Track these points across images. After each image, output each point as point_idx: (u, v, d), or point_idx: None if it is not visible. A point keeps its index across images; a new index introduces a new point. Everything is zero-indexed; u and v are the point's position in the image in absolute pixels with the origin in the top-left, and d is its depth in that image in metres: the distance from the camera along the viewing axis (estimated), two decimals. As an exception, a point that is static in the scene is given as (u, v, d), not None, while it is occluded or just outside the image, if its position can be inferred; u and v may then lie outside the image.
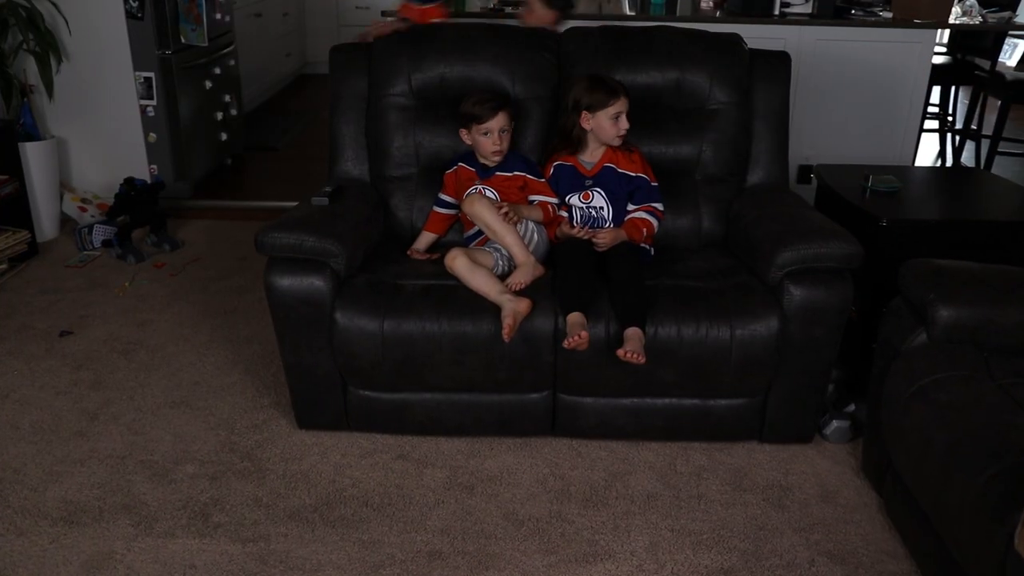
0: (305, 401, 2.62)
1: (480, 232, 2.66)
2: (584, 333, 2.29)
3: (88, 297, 3.56)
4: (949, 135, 5.37)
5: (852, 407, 2.71)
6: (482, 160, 2.76)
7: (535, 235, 2.64)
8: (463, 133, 2.76)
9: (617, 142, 2.73)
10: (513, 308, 2.34)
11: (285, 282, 2.42)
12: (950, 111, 5.36)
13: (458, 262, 2.47)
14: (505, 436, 2.65)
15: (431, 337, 2.40)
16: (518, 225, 2.59)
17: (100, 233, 4.02)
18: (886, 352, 2.32)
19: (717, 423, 2.58)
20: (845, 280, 2.41)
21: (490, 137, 2.69)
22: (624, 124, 2.70)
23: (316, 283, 2.42)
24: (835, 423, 2.66)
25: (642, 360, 2.26)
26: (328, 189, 2.68)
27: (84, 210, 4.23)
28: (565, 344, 2.30)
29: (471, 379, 2.48)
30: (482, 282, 2.43)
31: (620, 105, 2.68)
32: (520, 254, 2.52)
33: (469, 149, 2.79)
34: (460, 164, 2.79)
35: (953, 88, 5.29)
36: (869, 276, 2.50)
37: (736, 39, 2.95)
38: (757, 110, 2.91)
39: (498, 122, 2.69)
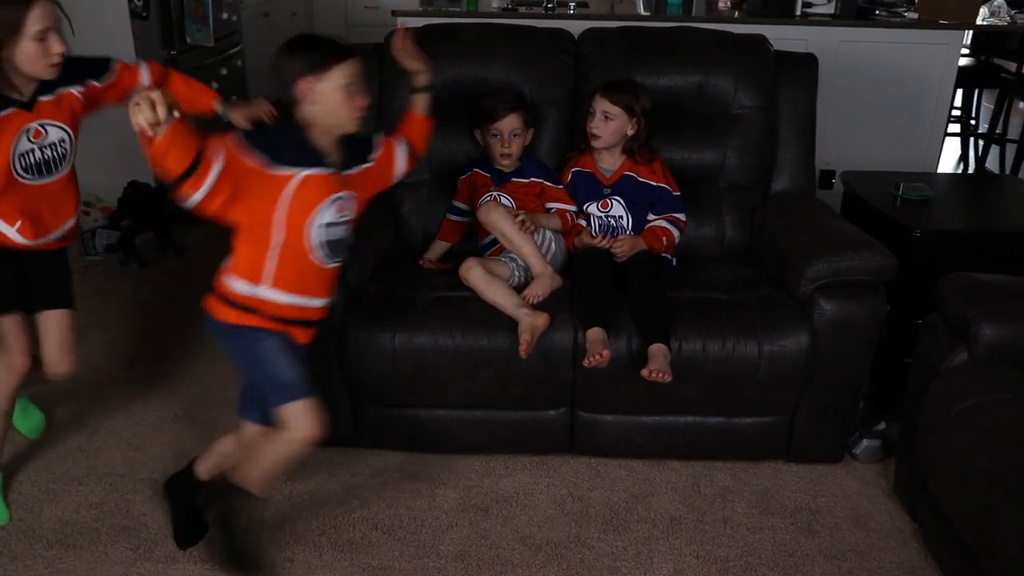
0: (312, 417, 2.51)
1: (495, 241, 2.55)
2: (606, 352, 2.18)
3: (89, 304, 3.46)
4: (972, 139, 5.24)
5: (882, 425, 2.59)
6: (498, 166, 2.65)
7: (552, 245, 2.53)
8: (476, 132, 2.67)
9: (595, 143, 2.62)
10: (531, 323, 2.24)
11: (292, 294, 2.32)
12: (972, 115, 5.23)
13: (473, 273, 2.36)
14: (521, 454, 2.54)
15: (444, 351, 2.29)
16: (535, 234, 2.48)
17: (103, 238, 3.93)
18: (923, 371, 2.20)
19: (742, 442, 2.47)
20: (878, 294, 2.30)
21: (498, 139, 2.59)
22: (596, 124, 2.58)
23: (325, 295, 2.31)
24: (865, 442, 2.54)
25: (669, 379, 2.16)
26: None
27: (87, 214, 4.12)
28: (585, 363, 2.19)
29: (486, 395, 2.37)
30: (498, 294, 2.33)
31: (594, 102, 2.59)
32: (537, 265, 2.41)
33: (483, 154, 2.69)
34: (475, 169, 2.69)
35: (976, 91, 5.16)
36: (900, 288, 2.39)
37: (761, 40, 2.84)
38: (783, 115, 2.81)
39: (508, 124, 2.59)
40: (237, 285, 1.93)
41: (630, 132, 2.61)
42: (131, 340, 3.19)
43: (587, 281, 2.38)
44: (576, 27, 3.01)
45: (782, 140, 2.81)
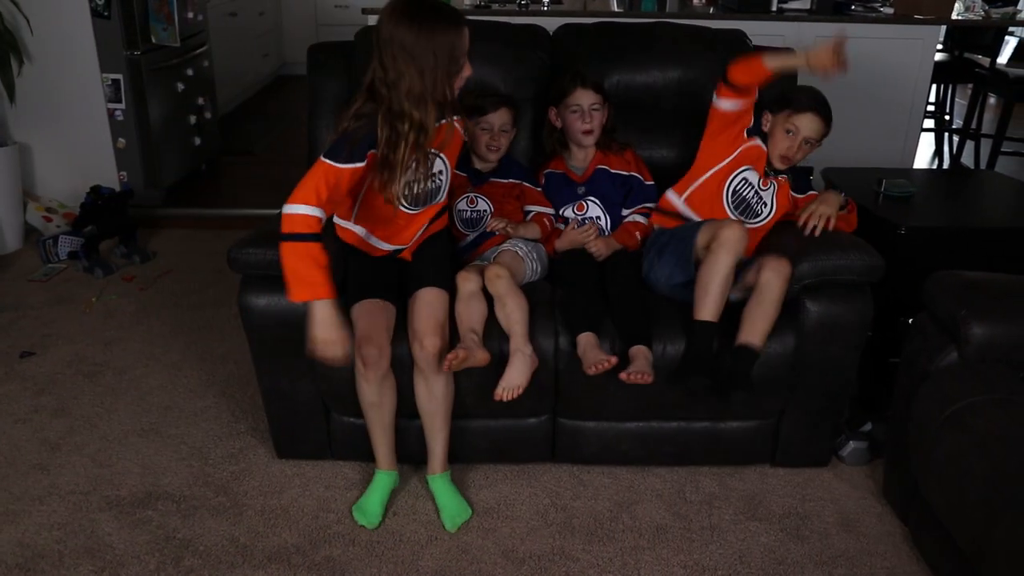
0: (285, 429, 2.42)
1: (476, 242, 2.47)
2: (613, 358, 2.11)
3: (52, 314, 3.35)
4: (946, 134, 5.23)
5: (869, 426, 2.55)
6: (476, 164, 2.57)
7: (537, 265, 2.41)
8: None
9: (583, 140, 2.55)
10: (473, 349, 2.12)
11: (262, 302, 2.23)
12: (947, 110, 5.22)
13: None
14: (501, 463, 2.47)
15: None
16: (525, 263, 2.36)
17: (66, 244, 3.80)
18: (911, 372, 2.16)
19: (728, 446, 2.41)
20: (865, 294, 2.24)
21: (488, 132, 2.50)
22: (587, 120, 2.52)
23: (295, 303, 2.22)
24: (852, 444, 2.49)
25: (649, 379, 2.09)
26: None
27: (49, 220, 4.01)
28: (591, 370, 2.11)
29: (464, 404, 2.29)
30: (474, 314, 2.22)
31: (579, 96, 2.51)
32: (520, 337, 2.18)
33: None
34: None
35: (950, 86, 5.15)
36: (884, 286, 2.34)
37: (740, 36, 2.78)
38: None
39: (500, 117, 2.50)
40: None
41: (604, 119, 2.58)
42: (95, 350, 3.08)
43: (573, 287, 2.31)
44: (551, 24, 2.94)
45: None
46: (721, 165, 2.45)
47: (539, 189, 2.58)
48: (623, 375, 2.10)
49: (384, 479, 2.29)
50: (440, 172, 2.25)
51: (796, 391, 2.31)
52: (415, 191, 2.18)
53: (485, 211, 2.52)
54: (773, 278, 2.16)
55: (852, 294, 2.24)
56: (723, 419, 2.36)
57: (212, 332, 3.21)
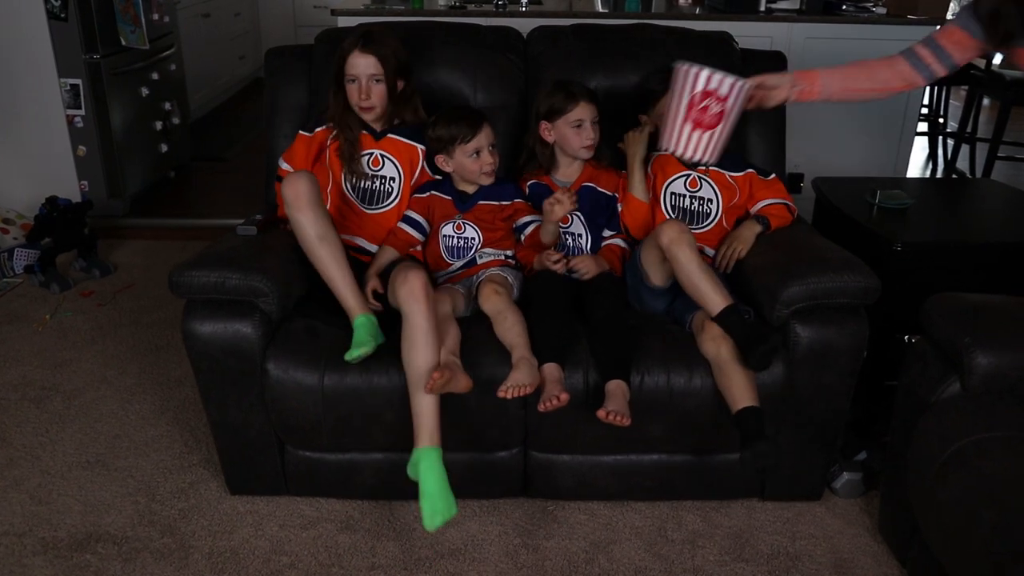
0: (236, 464, 2.25)
1: (457, 270, 2.33)
2: (564, 395, 1.94)
3: (2, 332, 3.17)
4: (940, 138, 5.08)
5: (864, 455, 2.39)
6: (459, 185, 2.38)
7: (517, 292, 2.26)
8: (440, 160, 2.36)
9: (585, 154, 2.39)
10: (455, 372, 1.97)
11: (206, 329, 2.06)
12: (941, 113, 5.07)
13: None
14: (469, 499, 2.29)
15: (380, 391, 2.04)
16: (511, 288, 2.22)
17: (22, 258, 3.62)
18: (910, 402, 1.99)
19: (713, 480, 2.24)
20: (859, 317, 2.08)
21: (480, 157, 2.32)
22: (589, 133, 2.36)
23: (243, 329, 2.05)
24: (846, 475, 2.33)
25: (627, 422, 1.91)
26: (258, 217, 2.31)
27: (6, 232, 3.81)
28: (540, 407, 1.95)
29: (428, 438, 2.12)
30: (451, 338, 2.06)
31: (581, 111, 2.34)
32: (523, 348, 2.05)
33: (443, 175, 2.43)
34: (432, 193, 2.39)
35: (944, 89, 5.00)
36: (878, 304, 2.18)
37: (726, 38, 2.62)
38: (750, 118, 2.58)
39: (486, 136, 2.32)
40: None
41: None
42: (44, 373, 2.90)
43: (543, 309, 2.13)
44: (527, 25, 2.78)
45: (749, 146, 2.59)
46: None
47: (529, 202, 2.41)
48: (600, 413, 1.93)
49: (363, 320, 2.07)
50: (392, 178, 2.37)
51: (786, 422, 2.14)
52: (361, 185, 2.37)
53: (474, 239, 2.34)
54: (711, 349, 2.02)
55: (845, 317, 2.07)
56: (707, 452, 2.19)
57: (170, 353, 3.03)
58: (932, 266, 2.40)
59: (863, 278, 2.04)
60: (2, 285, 3.53)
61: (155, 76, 4.30)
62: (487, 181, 2.36)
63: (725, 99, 1.91)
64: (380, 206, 2.39)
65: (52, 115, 3.90)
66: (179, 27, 4.73)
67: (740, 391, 1.97)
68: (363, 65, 2.28)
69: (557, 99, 2.36)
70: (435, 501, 1.93)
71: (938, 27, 2.16)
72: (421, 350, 1.97)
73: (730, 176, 2.41)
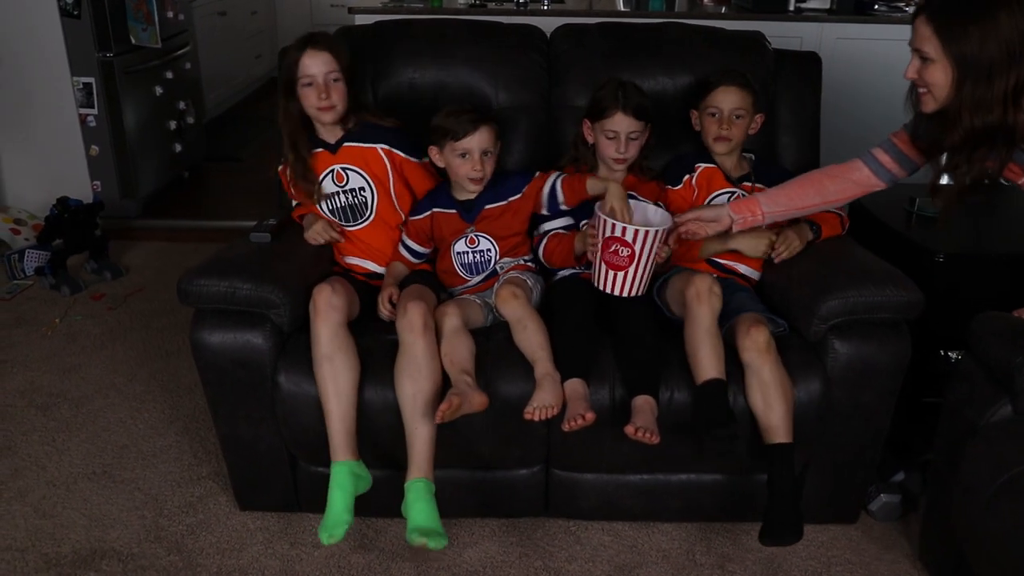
0: (246, 479, 2.17)
1: (475, 285, 2.23)
2: (590, 414, 1.83)
3: (10, 336, 3.10)
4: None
5: (901, 475, 2.27)
6: (462, 196, 2.23)
7: (538, 296, 2.17)
8: (433, 152, 2.21)
9: (615, 166, 2.24)
10: (467, 393, 1.86)
11: (216, 339, 1.97)
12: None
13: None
14: (488, 518, 2.20)
15: (394, 406, 1.95)
16: (530, 292, 2.12)
17: (32, 259, 3.56)
18: (956, 424, 1.88)
19: (743, 501, 2.14)
20: (901, 334, 1.97)
21: (468, 160, 2.15)
22: (623, 147, 2.18)
23: (254, 340, 1.97)
24: (883, 498, 2.22)
25: (655, 440, 1.81)
26: (271, 222, 2.23)
27: (17, 233, 3.75)
28: (564, 427, 1.85)
29: (446, 454, 2.02)
30: (463, 352, 1.96)
31: (619, 121, 2.16)
32: (547, 362, 1.95)
33: (440, 181, 2.29)
34: (434, 211, 2.24)
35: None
36: (917, 318, 2.08)
37: (759, 38, 2.51)
38: (783, 122, 2.48)
39: (479, 140, 2.13)
40: None
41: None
42: (52, 379, 2.82)
43: (565, 321, 2.02)
44: (549, 24, 2.68)
45: (783, 150, 2.48)
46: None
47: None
48: (629, 428, 1.83)
49: (343, 471, 1.94)
50: (361, 188, 2.25)
51: (822, 442, 2.03)
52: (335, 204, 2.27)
53: (490, 251, 2.21)
54: (756, 358, 1.90)
55: (886, 332, 1.96)
56: (738, 471, 2.09)
57: (181, 359, 2.95)
58: (975, 278, 2.29)
59: (906, 292, 1.93)
60: (12, 287, 3.47)
61: (169, 75, 4.23)
62: (472, 188, 2.20)
63: (632, 244, 1.96)
64: (361, 221, 2.27)
65: (64, 114, 3.83)
66: (195, 25, 4.66)
67: (778, 420, 1.88)
68: (318, 63, 2.14)
69: (598, 99, 2.21)
70: (422, 536, 1.86)
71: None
72: (413, 379, 1.92)
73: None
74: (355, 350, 1.96)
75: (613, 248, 1.97)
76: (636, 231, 1.95)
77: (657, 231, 1.97)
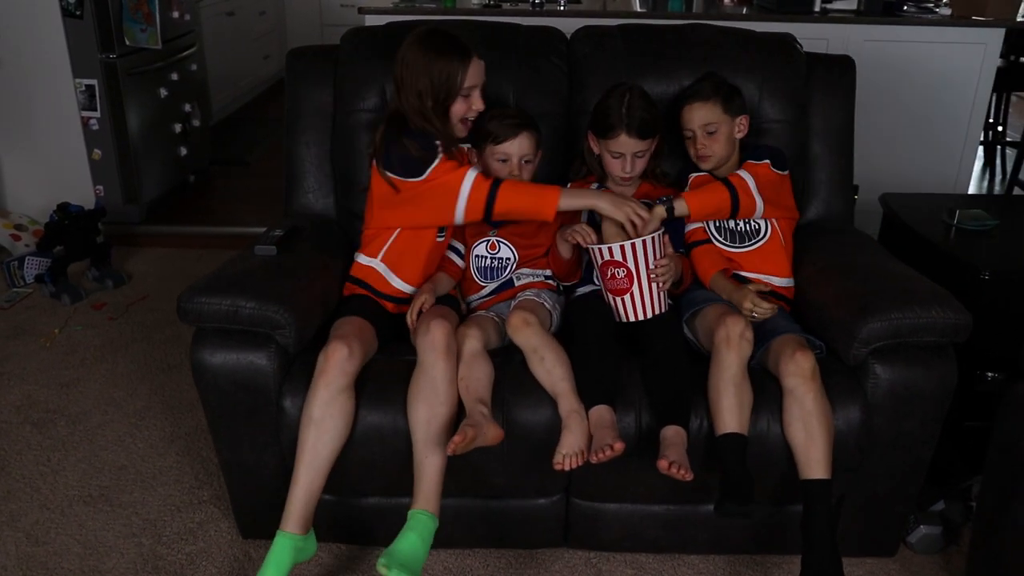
0: (249, 507, 2.05)
1: (492, 293, 2.12)
2: (619, 444, 1.71)
3: (8, 348, 2.99)
4: (998, 147, 4.80)
5: (941, 505, 2.14)
6: None
7: (558, 318, 2.06)
8: (472, 154, 2.13)
9: (620, 183, 2.14)
10: (482, 425, 1.75)
11: (217, 360, 1.86)
12: (1000, 121, 4.79)
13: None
14: (505, 548, 2.08)
15: (405, 432, 1.83)
16: (547, 315, 2.01)
17: (32, 267, 3.45)
18: (1007, 460, 1.75)
19: (774, 532, 2.02)
20: (948, 358, 1.84)
21: (507, 166, 2.08)
22: (628, 166, 2.07)
23: (257, 362, 1.86)
24: (923, 529, 2.09)
25: (689, 477, 1.69)
26: (278, 233, 2.10)
27: (18, 239, 3.65)
28: (592, 459, 1.73)
29: (458, 482, 1.91)
30: (481, 379, 1.85)
31: (624, 143, 2.05)
32: (571, 397, 1.83)
33: None
34: None
35: (1005, 95, 4.72)
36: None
37: (790, 40, 2.39)
38: (815, 129, 2.35)
39: (520, 146, 2.07)
40: None
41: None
42: (50, 393, 2.72)
43: (588, 344, 1.90)
44: (566, 25, 2.56)
45: (815, 159, 2.36)
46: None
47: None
48: (662, 464, 1.70)
49: (286, 545, 1.79)
50: None
51: (861, 471, 1.91)
52: None
53: (508, 259, 2.13)
54: (800, 385, 1.77)
55: (932, 357, 1.84)
56: (770, 502, 1.96)
57: (182, 374, 2.84)
58: (1022, 296, 2.16)
59: (954, 314, 1.81)
60: (12, 295, 3.37)
61: (174, 76, 4.12)
62: None
63: (624, 262, 1.89)
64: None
65: (66, 117, 3.73)
66: (201, 25, 4.56)
67: (819, 453, 1.75)
68: (482, 71, 2.02)
69: (601, 115, 2.09)
70: (395, 568, 1.70)
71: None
72: (428, 403, 1.80)
73: (752, 162, 2.16)
74: (350, 417, 1.82)
75: (611, 274, 1.93)
76: (621, 247, 1.90)
77: (644, 241, 1.90)
